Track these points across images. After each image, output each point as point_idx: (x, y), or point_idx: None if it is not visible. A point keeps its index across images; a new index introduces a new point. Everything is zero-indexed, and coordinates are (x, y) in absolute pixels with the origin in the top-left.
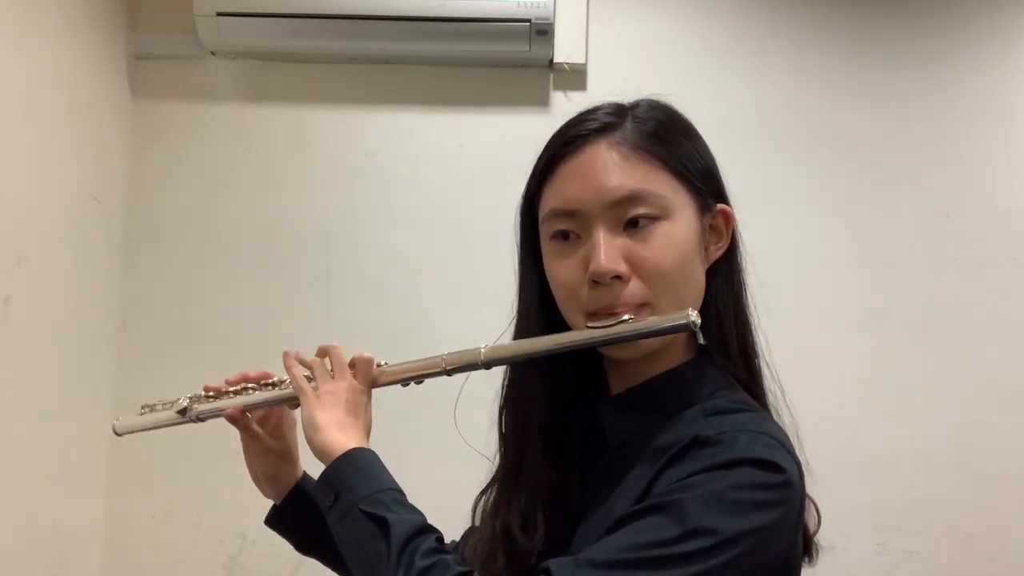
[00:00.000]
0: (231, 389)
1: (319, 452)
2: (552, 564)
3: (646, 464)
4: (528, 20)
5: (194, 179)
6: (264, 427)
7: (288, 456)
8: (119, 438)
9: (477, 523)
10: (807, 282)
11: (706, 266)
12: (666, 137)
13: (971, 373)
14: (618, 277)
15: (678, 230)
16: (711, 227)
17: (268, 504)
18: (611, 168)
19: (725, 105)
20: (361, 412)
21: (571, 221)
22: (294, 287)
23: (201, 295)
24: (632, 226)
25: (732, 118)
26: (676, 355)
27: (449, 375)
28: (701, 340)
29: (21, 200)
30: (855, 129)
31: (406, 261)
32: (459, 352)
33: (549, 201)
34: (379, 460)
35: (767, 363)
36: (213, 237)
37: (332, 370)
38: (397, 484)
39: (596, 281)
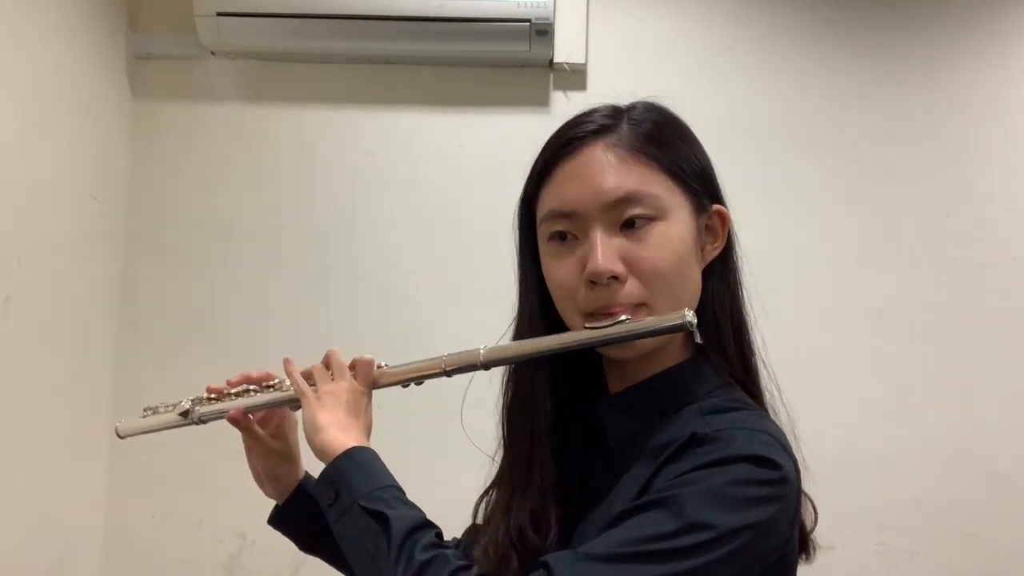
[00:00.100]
0: (232, 391)
1: (320, 452)
2: (551, 558)
3: (645, 462)
4: (528, 20)
5: (194, 179)
6: (265, 428)
7: (290, 456)
8: (120, 439)
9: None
10: (807, 282)
11: (702, 266)
12: (661, 139)
13: (971, 373)
14: (615, 277)
15: (674, 230)
16: (707, 227)
17: (269, 504)
18: (607, 169)
19: (725, 105)
20: (361, 413)
21: (568, 222)
22: (294, 287)
23: (201, 295)
24: (629, 227)
25: (732, 118)
26: (674, 355)
27: (449, 376)
28: (698, 340)
29: (21, 200)
30: (855, 129)
31: (406, 261)
32: (459, 353)
33: (546, 202)
34: (379, 458)
35: (764, 362)
36: (213, 237)
37: (332, 372)
38: (396, 482)
39: (593, 281)
